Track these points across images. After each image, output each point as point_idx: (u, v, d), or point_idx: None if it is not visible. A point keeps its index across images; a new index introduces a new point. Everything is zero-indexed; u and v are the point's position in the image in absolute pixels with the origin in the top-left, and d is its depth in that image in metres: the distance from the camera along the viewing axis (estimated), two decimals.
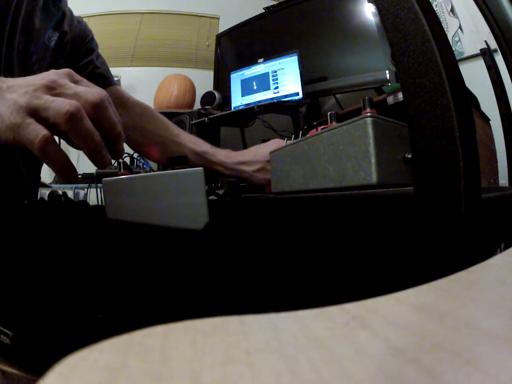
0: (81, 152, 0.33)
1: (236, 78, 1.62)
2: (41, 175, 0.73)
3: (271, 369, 0.09)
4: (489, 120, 0.97)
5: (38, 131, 0.30)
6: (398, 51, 0.27)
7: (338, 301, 0.13)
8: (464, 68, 0.89)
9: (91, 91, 0.33)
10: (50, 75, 0.34)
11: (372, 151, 0.34)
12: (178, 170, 0.43)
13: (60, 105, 0.31)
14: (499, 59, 0.76)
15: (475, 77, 0.98)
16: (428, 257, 0.26)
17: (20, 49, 0.56)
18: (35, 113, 0.31)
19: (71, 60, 0.68)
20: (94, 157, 0.33)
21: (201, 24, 2.44)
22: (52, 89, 0.32)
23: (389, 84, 1.24)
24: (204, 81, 2.10)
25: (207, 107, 1.71)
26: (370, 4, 1.35)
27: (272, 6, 1.78)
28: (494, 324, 0.11)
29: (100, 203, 1.19)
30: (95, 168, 1.61)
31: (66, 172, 0.33)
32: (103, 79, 0.72)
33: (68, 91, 0.33)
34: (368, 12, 1.37)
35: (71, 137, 0.32)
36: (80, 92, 0.33)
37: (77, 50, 0.70)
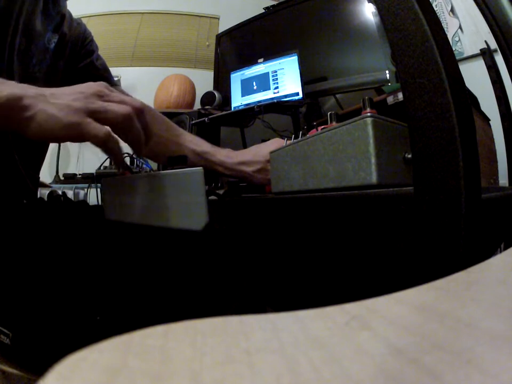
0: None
1: (236, 78, 1.62)
2: (40, 175, 0.72)
3: (271, 369, 0.09)
4: (489, 120, 0.97)
5: (100, 128, 0.36)
6: (398, 51, 0.27)
7: (338, 301, 0.13)
8: (464, 68, 0.89)
9: (133, 99, 0.40)
10: (95, 85, 0.39)
11: (372, 151, 0.34)
12: (178, 170, 0.43)
13: (116, 109, 0.37)
14: (499, 59, 0.76)
15: (475, 77, 0.98)
16: (428, 257, 0.26)
17: (21, 50, 0.56)
18: (92, 114, 0.36)
19: (71, 62, 0.68)
20: (138, 151, 0.40)
21: (201, 24, 2.44)
22: (101, 96, 0.38)
23: (389, 84, 1.24)
24: (204, 81, 2.10)
25: (207, 107, 1.71)
26: (370, 4, 1.35)
27: (272, 6, 1.78)
28: (494, 323, 0.11)
29: (99, 203, 1.19)
30: (95, 168, 1.62)
31: (122, 162, 0.40)
32: (103, 80, 0.71)
33: (115, 98, 0.39)
34: (368, 12, 1.37)
35: (123, 135, 0.38)
36: (125, 99, 0.39)
37: (77, 51, 0.70)
